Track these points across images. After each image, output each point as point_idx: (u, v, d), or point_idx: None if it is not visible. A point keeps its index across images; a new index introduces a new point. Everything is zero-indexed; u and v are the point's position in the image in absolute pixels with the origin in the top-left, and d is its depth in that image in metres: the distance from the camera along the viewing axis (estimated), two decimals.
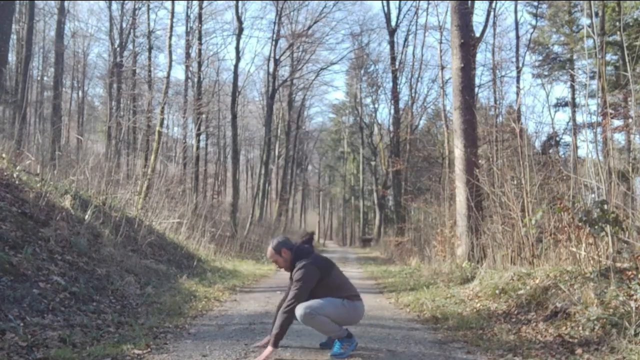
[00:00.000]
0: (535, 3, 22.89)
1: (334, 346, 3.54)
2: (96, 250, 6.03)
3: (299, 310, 3.44)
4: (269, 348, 3.36)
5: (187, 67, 22.21)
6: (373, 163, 37.48)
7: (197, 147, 21.24)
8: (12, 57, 20.98)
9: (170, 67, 15.65)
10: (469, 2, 13.23)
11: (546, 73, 24.41)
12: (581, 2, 19.95)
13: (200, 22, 21.15)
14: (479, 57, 18.68)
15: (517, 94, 14.26)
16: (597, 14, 15.32)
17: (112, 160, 11.52)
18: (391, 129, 27.23)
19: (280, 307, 3.54)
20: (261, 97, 34.36)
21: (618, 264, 4.69)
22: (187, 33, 21.75)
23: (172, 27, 16.32)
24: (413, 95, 25.58)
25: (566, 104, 23.20)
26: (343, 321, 3.62)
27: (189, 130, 23.50)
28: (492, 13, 17.50)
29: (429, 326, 4.85)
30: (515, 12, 19.39)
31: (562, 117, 32.18)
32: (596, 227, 4.66)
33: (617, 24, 16.42)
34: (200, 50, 21.56)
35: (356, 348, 3.60)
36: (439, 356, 3.62)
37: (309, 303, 3.47)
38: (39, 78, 26.56)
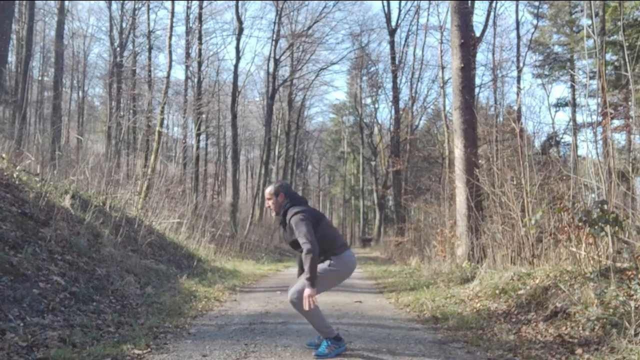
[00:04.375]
0: (536, 3, 22.91)
1: (321, 346, 3.56)
2: (96, 250, 6.03)
3: (289, 295, 3.56)
4: (309, 291, 3.39)
5: (187, 67, 22.22)
6: (373, 163, 37.50)
7: (197, 147, 21.25)
8: (12, 57, 21.01)
9: (170, 67, 15.65)
10: (469, 2, 13.25)
11: (547, 73, 24.43)
12: (582, 2, 19.96)
13: (200, 22, 21.15)
14: (479, 57, 18.75)
15: (517, 94, 14.26)
16: (597, 14, 15.33)
17: (112, 160, 11.52)
18: (391, 129, 27.23)
19: (300, 258, 3.59)
20: (261, 97, 34.36)
21: (618, 264, 4.69)
22: (187, 33, 21.75)
23: (172, 27, 16.32)
24: (413, 95, 25.59)
25: (566, 104, 23.22)
26: (337, 281, 3.70)
27: (189, 130, 23.52)
28: (492, 13, 17.53)
29: (429, 326, 4.84)
30: (517, 11, 19.43)
31: (563, 117, 32.20)
32: (596, 227, 4.66)
33: (618, 24, 16.43)
34: (200, 50, 21.56)
35: (344, 352, 3.58)
36: (439, 356, 3.61)
37: (297, 287, 3.52)
38: (39, 78, 26.55)
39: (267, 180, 28.88)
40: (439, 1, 22.32)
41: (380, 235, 30.23)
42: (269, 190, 3.80)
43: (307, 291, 3.39)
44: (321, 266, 3.55)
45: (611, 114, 8.26)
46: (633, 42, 13.85)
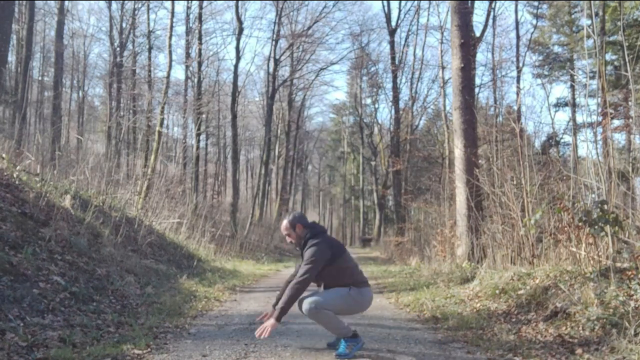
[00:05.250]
0: (536, 3, 22.92)
1: (339, 346, 3.54)
2: (96, 250, 6.03)
3: (305, 304, 3.47)
4: (272, 321, 3.33)
5: (187, 67, 22.22)
6: (373, 163, 37.48)
7: (197, 147, 21.25)
8: (12, 57, 21.01)
9: (170, 67, 15.68)
10: (469, 2, 13.25)
11: (546, 73, 24.44)
12: (581, 2, 19.96)
13: (200, 22, 21.15)
14: (479, 57, 18.75)
15: (517, 94, 14.27)
16: (597, 14, 15.33)
17: (112, 160, 11.52)
18: (391, 129, 27.23)
19: (289, 282, 3.58)
20: (261, 97, 34.35)
21: (618, 264, 4.69)
22: (187, 33, 21.75)
23: (172, 27, 16.33)
24: (413, 95, 25.58)
25: (566, 104, 23.24)
26: (351, 310, 3.67)
27: (189, 130, 23.51)
28: (492, 13, 17.55)
29: (429, 326, 4.85)
30: (516, 12, 19.45)
31: (562, 117, 32.23)
32: (596, 227, 4.66)
33: (618, 24, 16.43)
34: (200, 50, 21.55)
35: (362, 348, 3.61)
36: (439, 356, 3.62)
37: (315, 298, 3.49)
38: (39, 78, 26.54)
39: (267, 180, 28.91)
40: (439, 1, 22.35)
41: (380, 235, 30.24)
42: (284, 225, 3.74)
43: (270, 321, 3.34)
44: (341, 290, 3.53)
45: (611, 114, 8.27)
46: (633, 42, 13.84)
